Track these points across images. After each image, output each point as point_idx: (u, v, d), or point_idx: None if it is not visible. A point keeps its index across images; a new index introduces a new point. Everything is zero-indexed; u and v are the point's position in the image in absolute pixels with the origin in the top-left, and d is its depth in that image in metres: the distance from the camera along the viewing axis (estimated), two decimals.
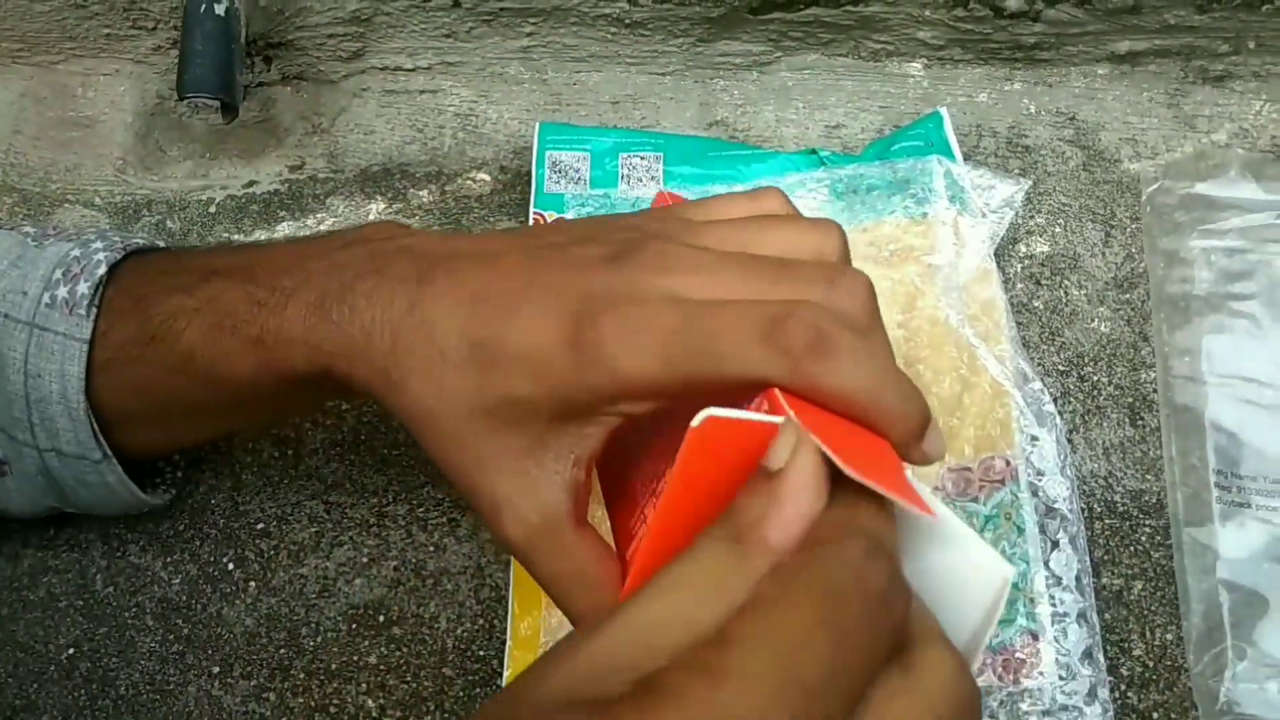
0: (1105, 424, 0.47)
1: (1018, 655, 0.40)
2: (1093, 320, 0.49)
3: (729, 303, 0.29)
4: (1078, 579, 0.42)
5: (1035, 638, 0.40)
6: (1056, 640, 0.41)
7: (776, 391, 0.28)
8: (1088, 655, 0.41)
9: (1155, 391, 0.47)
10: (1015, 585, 0.41)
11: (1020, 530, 0.42)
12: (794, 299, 0.29)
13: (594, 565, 0.31)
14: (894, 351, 0.31)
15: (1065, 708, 0.40)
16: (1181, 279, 0.49)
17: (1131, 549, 0.45)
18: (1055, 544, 0.42)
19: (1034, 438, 0.44)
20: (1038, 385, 0.45)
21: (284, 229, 0.53)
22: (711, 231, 0.32)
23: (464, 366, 0.31)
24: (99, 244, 0.40)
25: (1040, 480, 0.43)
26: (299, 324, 0.34)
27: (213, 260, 0.38)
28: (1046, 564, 0.42)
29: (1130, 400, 0.47)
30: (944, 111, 0.52)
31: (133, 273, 0.39)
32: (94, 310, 0.38)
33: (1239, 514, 0.43)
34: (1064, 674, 0.40)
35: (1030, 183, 0.51)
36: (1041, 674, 0.40)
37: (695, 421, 0.25)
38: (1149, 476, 0.46)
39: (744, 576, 0.23)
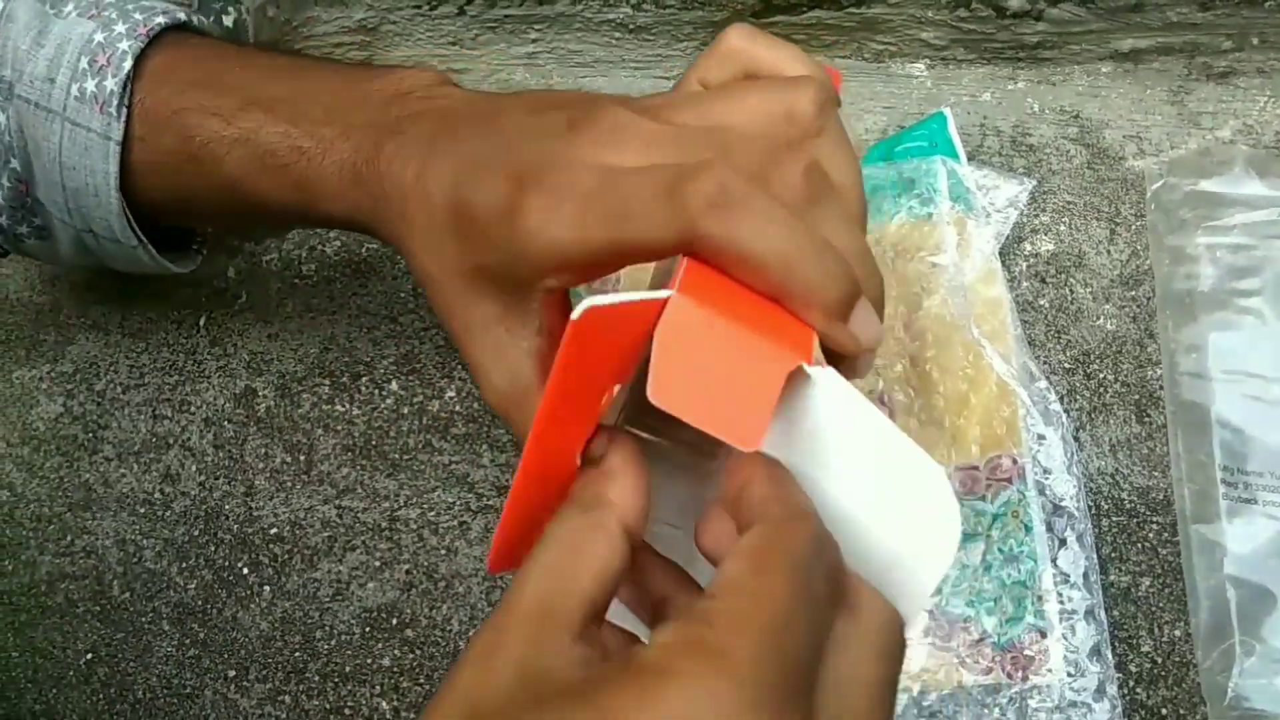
0: (1112, 421, 0.47)
1: (1026, 653, 0.40)
2: (1098, 318, 0.50)
3: (646, 167, 0.29)
4: (1085, 576, 0.42)
5: (1043, 635, 0.41)
6: (1065, 637, 0.41)
7: (685, 261, 0.26)
8: (1096, 652, 0.41)
9: (1161, 388, 0.48)
10: (1023, 583, 0.41)
11: (1028, 529, 0.42)
12: (708, 159, 0.28)
13: None
14: (879, 283, 0.30)
15: (1074, 704, 0.40)
16: (1187, 276, 0.49)
17: (1139, 546, 0.45)
18: (1063, 542, 0.43)
19: (1041, 436, 0.44)
20: (1044, 384, 0.45)
21: (294, 236, 0.53)
22: (686, 105, 0.32)
23: (449, 232, 0.32)
24: (121, 26, 0.40)
25: (1047, 479, 0.43)
26: (335, 180, 0.36)
27: (249, 85, 0.39)
28: (1054, 561, 0.42)
29: (1136, 397, 0.48)
30: (948, 112, 0.52)
31: (163, 74, 0.40)
32: (124, 111, 0.39)
33: (1246, 510, 0.43)
34: (1072, 671, 0.40)
35: (1035, 182, 0.51)
36: (1050, 671, 0.40)
37: (575, 314, 0.24)
38: (1156, 473, 0.46)
39: (603, 534, 0.25)
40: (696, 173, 0.27)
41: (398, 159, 0.34)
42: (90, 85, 0.39)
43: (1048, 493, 0.43)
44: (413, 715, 0.44)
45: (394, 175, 0.34)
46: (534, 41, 0.56)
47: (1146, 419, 0.47)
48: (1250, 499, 0.43)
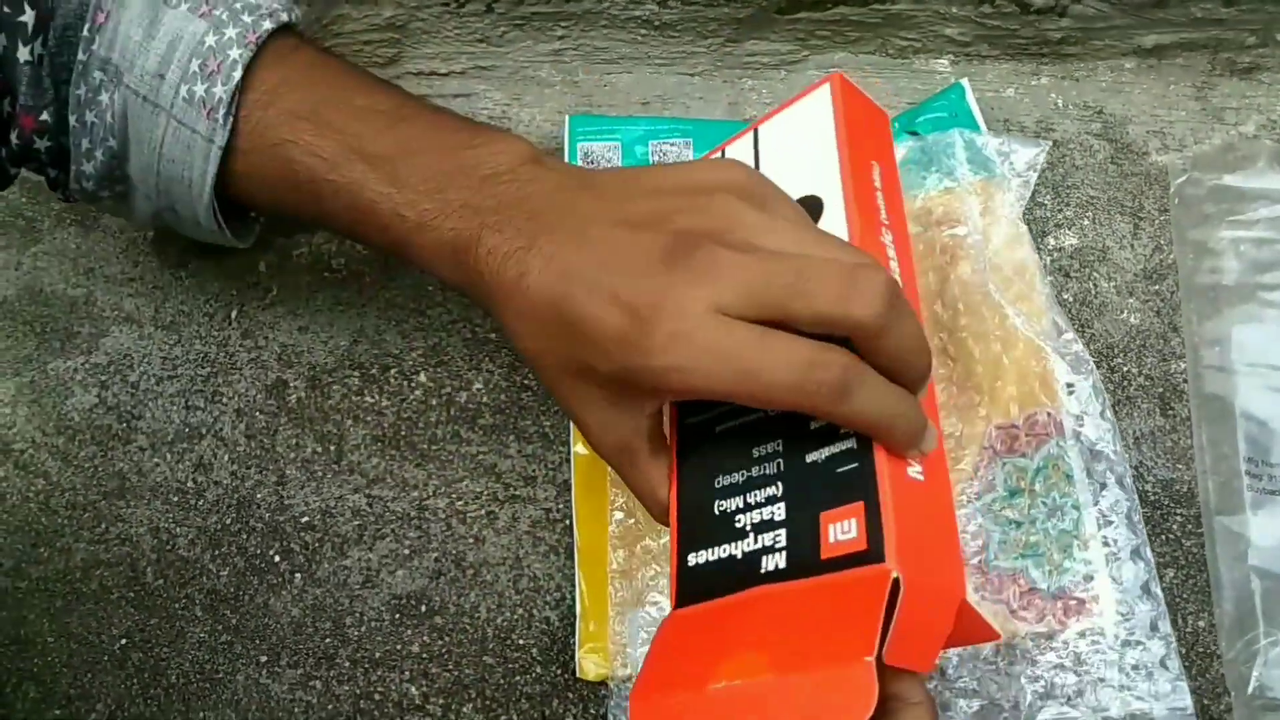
0: (1136, 414, 0.47)
1: (1075, 596, 0.40)
2: (1122, 312, 0.50)
3: (773, 334, 0.33)
4: (1129, 516, 0.42)
5: (1091, 578, 0.41)
6: (1113, 578, 0.41)
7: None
8: (1145, 590, 0.41)
9: (1185, 382, 0.48)
10: (1068, 532, 0.41)
11: (1069, 478, 0.42)
12: (827, 347, 0.33)
13: (661, 486, 0.38)
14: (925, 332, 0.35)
15: (1127, 643, 0.40)
16: (1211, 270, 0.49)
17: (1163, 537, 0.45)
18: (1103, 485, 0.43)
19: (1069, 385, 0.44)
20: (1070, 335, 0.46)
21: (324, 231, 0.54)
22: (771, 232, 0.35)
23: (555, 335, 0.36)
24: (231, 30, 0.42)
25: (1081, 426, 0.43)
26: (433, 254, 0.40)
27: (351, 132, 0.41)
28: (1095, 504, 0.42)
29: (1160, 390, 0.48)
30: (966, 83, 0.53)
31: (269, 94, 0.42)
32: (230, 119, 0.42)
33: (1270, 502, 0.43)
34: (1124, 611, 0.40)
35: (1050, 143, 0.51)
36: (1100, 614, 0.40)
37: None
38: (1180, 466, 0.46)
39: None
40: (821, 367, 0.33)
41: (495, 256, 0.38)
42: (199, 89, 0.41)
43: (1083, 439, 0.43)
44: (441, 701, 0.44)
45: (493, 271, 0.38)
46: (560, 38, 0.57)
47: (1170, 412, 0.47)
48: (1275, 490, 0.44)
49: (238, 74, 0.41)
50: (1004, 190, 0.49)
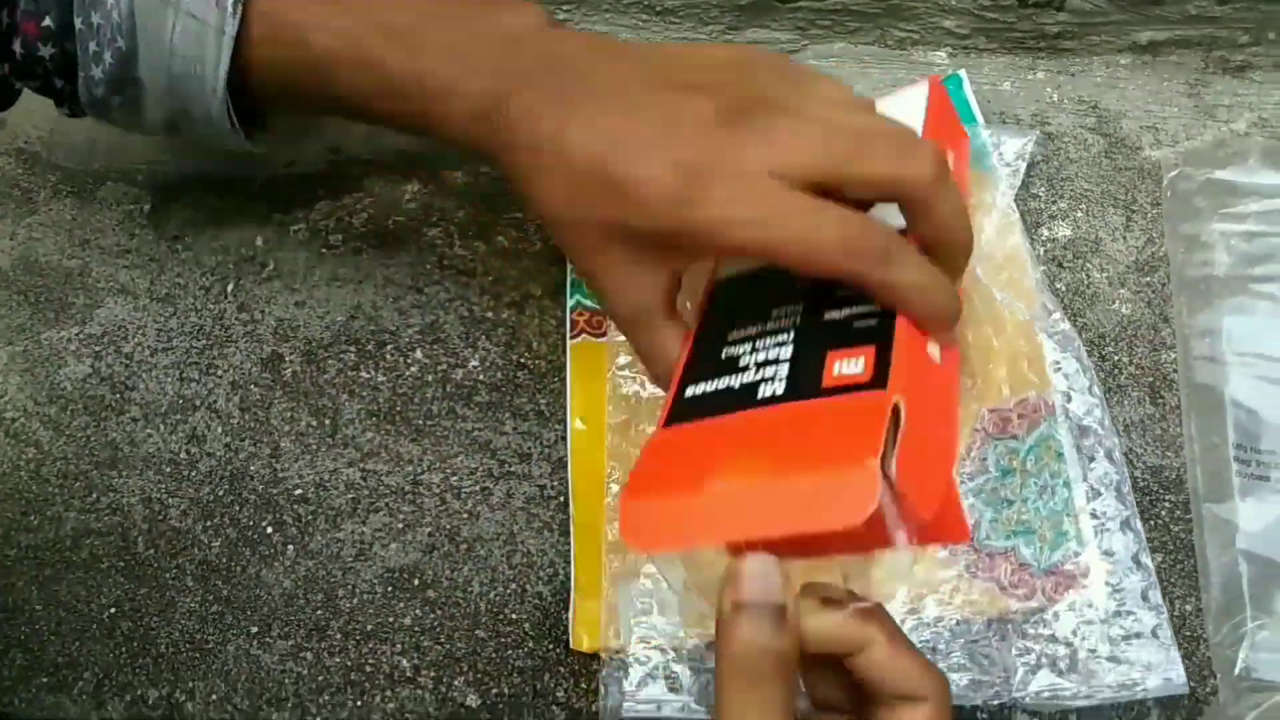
0: (1126, 403, 0.48)
1: (1066, 569, 0.41)
2: (1114, 302, 0.50)
3: (824, 202, 0.34)
4: (1118, 489, 0.43)
5: (1080, 552, 0.41)
6: (1103, 550, 0.41)
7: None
8: (1135, 561, 0.41)
9: (1175, 371, 0.48)
10: (1059, 510, 0.42)
11: (1060, 456, 0.42)
12: (874, 219, 0.35)
13: (670, 348, 0.38)
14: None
15: (1118, 614, 0.40)
16: (1202, 262, 0.50)
17: (1152, 523, 0.45)
18: (1091, 459, 0.43)
19: (1057, 363, 0.45)
20: (1058, 315, 0.47)
21: (322, 207, 0.54)
22: (821, 103, 0.37)
23: (593, 192, 0.37)
24: None
25: (1069, 403, 0.44)
26: (458, 119, 0.40)
27: (371, 8, 0.41)
28: (1084, 479, 0.42)
29: (1151, 380, 0.48)
30: (963, 74, 0.53)
31: None
32: (239, 8, 0.41)
33: (1259, 487, 0.44)
34: (1114, 582, 0.41)
35: (1038, 133, 0.52)
36: (1089, 586, 0.41)
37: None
38: (1169, 453, 0.47)
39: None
40: (870, 234, 0.34)
41: (529, 115, 0.38)
42: None
43: (1071, 415, 0.44)
44: (433, 673, 0.44)
45: (526, 129, 0.38)
46: (561, 21, 0.57)
47: (1160, 400, 0.48)
48: (1263, 476, 0.44)
49: None
50: (994, 181, 0.50)
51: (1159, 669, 0.39)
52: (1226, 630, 0.42)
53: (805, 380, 0.33)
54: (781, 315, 0.36)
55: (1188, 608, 0.44)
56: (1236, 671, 0.41)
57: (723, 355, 0.36)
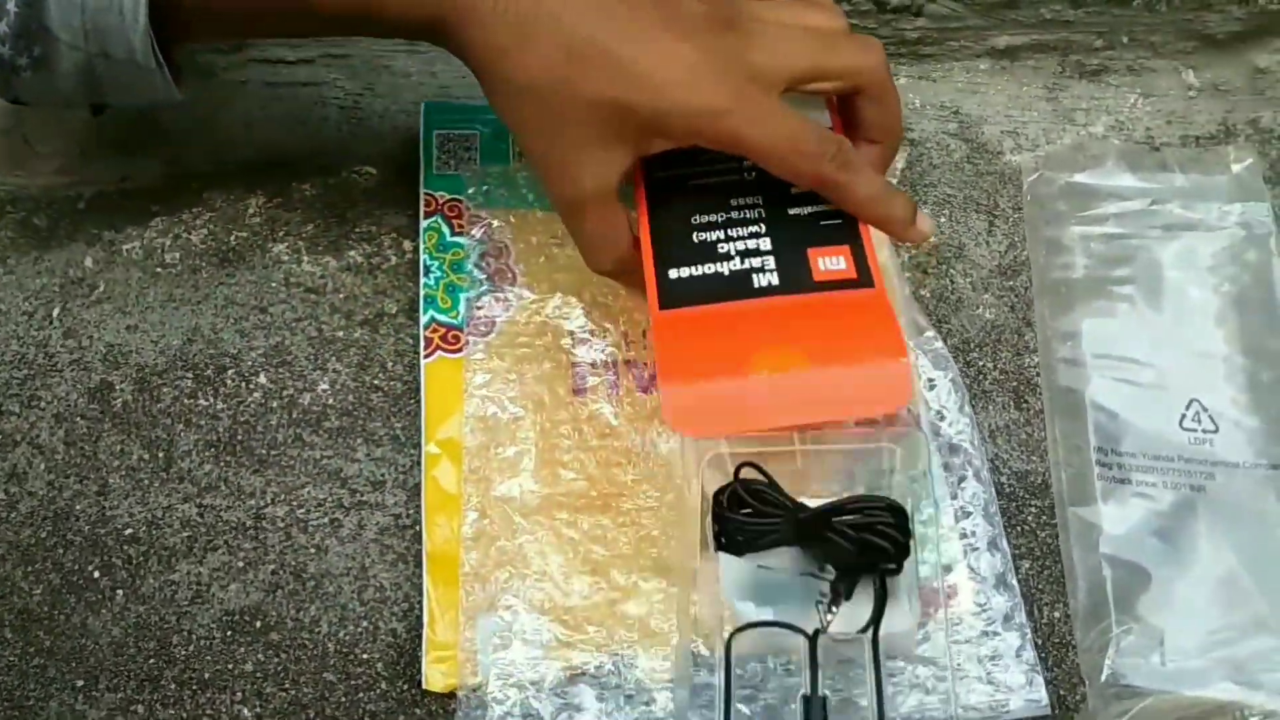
0: (991, 408, 0.47)
1: (933, 587, 0.40)
2: (978, 307, 0.50)
3: (802, 115, 0.39)
4: (985, 509, 0.43)
5: (949, 569, 0.41)
6: (971, 569, 0.41)
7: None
8: (1002, 581, 0.41)
9: (1039, 375, 0.48)
10: (924, 524, 0.41)
11: (925, 473, 0.42)
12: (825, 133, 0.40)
13: (622, 231, 0.41)
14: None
15: (984, 634, 0.40)
16: (1062, 265, 0.50)
17: (1018, 529, 0.45)
18: (961, 479, 0.43)
19: (930, 380, 0.45)
20: (931, 333, 0.46)
21: (157, 223, 0.51)
22: (771, 9, 0.42)
23: (587, 65, 0.38)
24: None
25: (941, 421, 0.44)
26: None
27: None
28: (954, 498, 0.42)
29: (1015, 384, 0.48)
30: None
31: None
32: None
33: (1120, 490, 0.44)
34: (981, 602, 0.40)
35: (908, 149, 0.52)
36: (957, 606, 0.40)
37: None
38: (1034, 458, 0.46)
39: None
40: (841, 145, 0.40)
41: None
42: None
43: (942, 434, 0.44)
44: None
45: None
46: None
47: (1025, 405, 0.48)
48: (1124, 479, 0.44)
49: None
50: None
51: (1021, 691, 0.39)
52: (1094, 636, 0.42)
53: (796, 274, 0.39)
54: (744, 206, 0.41)
55: (1056, 614, 0.43)
56: (1104, 678, 0.40)
57: (694, 239, 0.40)
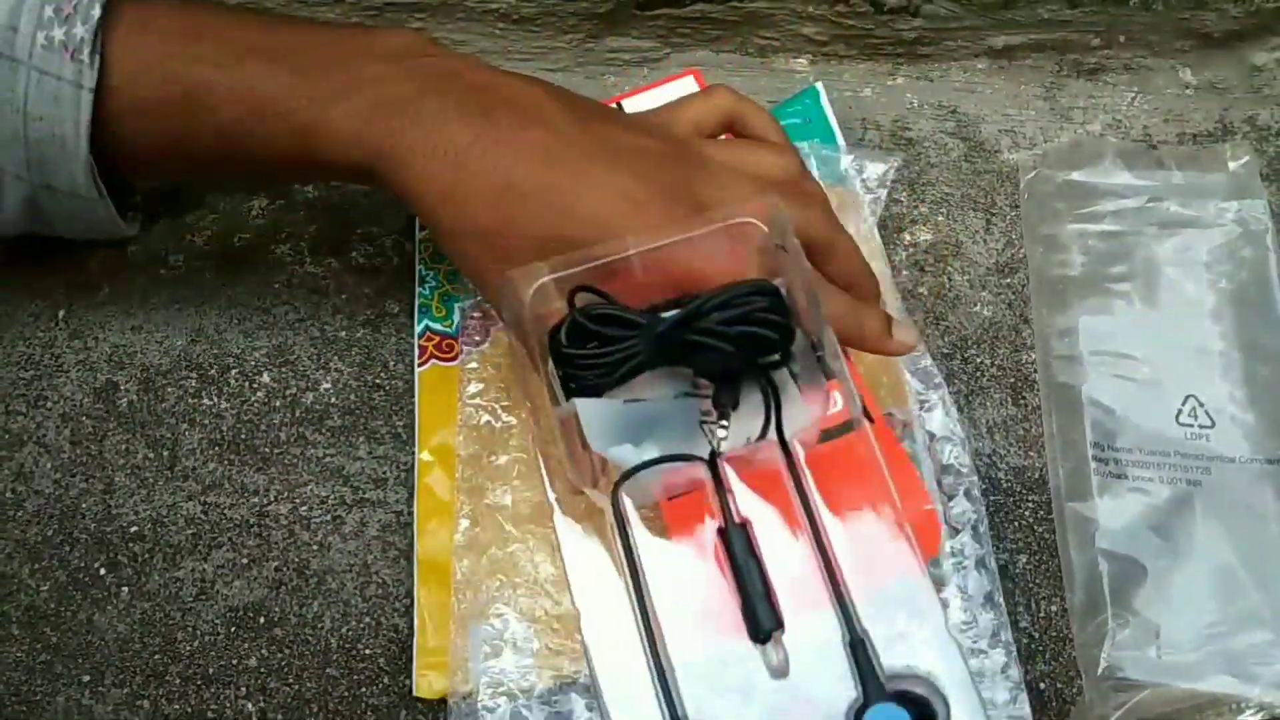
0: (988, 404, 0.48)
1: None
2: (975, 305, 0.50)
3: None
4: (974, 527, 0.43)
5: (938, 586, 0.41)
6: (959, 588, 0.41)
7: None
8: (989, 599, 0.41)
9: (1036, 371, 0.48)
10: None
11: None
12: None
13: None
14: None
15: (971, 651, 0.40)
16: (1060, 263, 0.50)
17: (1015, 524, 0.45)
18: (951, 496, 0.43)
19: (924, 402, 0.45)
20: (919, 350, 0.46)
21: (161, 225, 0.51)
22: (721, 150, 0.42)
23: (525, 204, 0.37)
24: None
25: (933, 441, 0.44)
26: (353, 122, 0.38)
27: (247, 36, 0.39)
28: (945, 519, 0.42)
29: (1012, 380, 0.48)
30: (820, 86, 0.53)
31: (142, 22, 0.39)
32: (96, 58, 0.38)
33: (1116, 485, 0.44)
34: (968, 619, 0.40)
35: (900, 158, 0.52)
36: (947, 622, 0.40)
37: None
38: (1031, 453, 0.47)
39: None
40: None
41: (444, 116, 0.37)
42: (58, 33, 0.38)
43: (935, 453, 0.44)
44: (280, 716, 0.42)
45: (442, 131, 0.37)
46: (416, 31, 0.55)
47: (1022, 401, 0.48)
48: (1120, 474, 0.44)
49: (96, 10, 0.38)
50: (856, 205, 0.50)
51: (1005, 708, 0.39)
52: (1090, 629, 0.42)
53: None
54: None
55: (1053, 608, 0.44)
56: (1100, 671, 0.41)
57: None
